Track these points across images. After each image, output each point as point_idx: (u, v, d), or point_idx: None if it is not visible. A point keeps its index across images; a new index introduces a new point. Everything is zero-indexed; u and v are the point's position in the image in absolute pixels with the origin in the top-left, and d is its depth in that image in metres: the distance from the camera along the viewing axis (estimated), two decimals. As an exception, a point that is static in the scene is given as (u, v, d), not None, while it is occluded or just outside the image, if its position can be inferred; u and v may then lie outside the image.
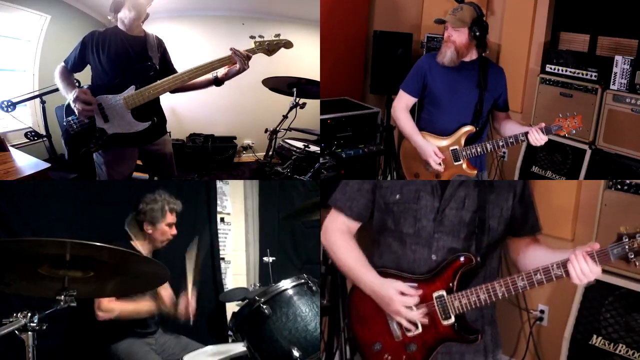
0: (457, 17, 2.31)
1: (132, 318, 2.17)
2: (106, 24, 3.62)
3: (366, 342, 1.67)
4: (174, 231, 2.33)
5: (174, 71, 2.60)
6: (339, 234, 1.75)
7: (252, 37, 2.45)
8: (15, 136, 3.49)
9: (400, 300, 1.56)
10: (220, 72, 2.48)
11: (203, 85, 2.55)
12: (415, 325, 1.58)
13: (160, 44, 2.60)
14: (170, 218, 2.31)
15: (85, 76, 2.65)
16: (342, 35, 3.98)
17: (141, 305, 2.18)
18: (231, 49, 2.38)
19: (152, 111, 2.54)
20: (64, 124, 2.47)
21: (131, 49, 2.48)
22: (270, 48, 2.46)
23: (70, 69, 2.51)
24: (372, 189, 1.72)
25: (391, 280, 1.60)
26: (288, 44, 2.48)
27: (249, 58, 2.41)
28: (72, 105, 2.38)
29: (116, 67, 2.45)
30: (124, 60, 2.46)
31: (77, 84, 2.56)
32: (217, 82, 2.52)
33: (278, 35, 2.46)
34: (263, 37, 2.44)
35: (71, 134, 2.45)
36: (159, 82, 2.43)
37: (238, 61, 2.39)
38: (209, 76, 2.50)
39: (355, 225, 1.77)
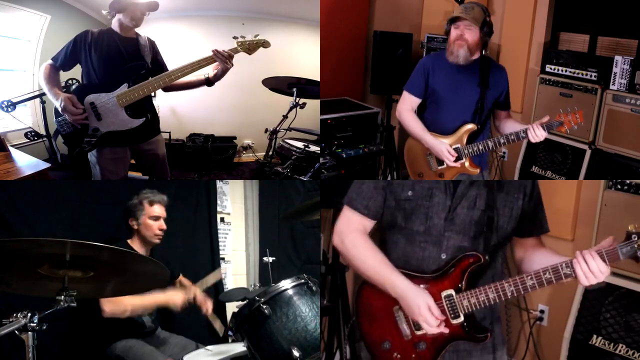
0: (472, 15, 2.31)
1: (139, 313, 2.15)
2: (102, 21, 3.63)
3: (375, 341, 1.67)
4: (162, 225, 2.30)
5: (166, 70, 2.63)
6: (357, 235, 1.70)
7: (234, 37, 2.56)
8: (15, 136, 3.49)
9: (426, 316, 1.53)
10: (211, 73, 2.56)
11: (195, 85, 2.62)
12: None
13: (152, 46, 2.64)
14: (152, 211, 2.28)
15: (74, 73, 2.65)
16: (342, 35, 3.98)
17: (148, 299, 2.15)
18: (213, 51, 2.48)
19: (145, 109, 2.57)
20: (55, 125, 2.48)
21: (124, 50, 2.51)
22: (250, 47, 2.56)
23: (59, 67, 2.51)
24: (384, 186, 1.69)
25: (423, 292, 1.56)
26: (266, 44, 2.59)
27: (231, 57, 2.51)
28: (61, 112, 2.40)
29: (108, 67, 2.47)
30: (116, 60, 2.48)
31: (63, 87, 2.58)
32: (209, 82, 2.60)
33: (257, 35, 2.58)
34: (245, 37, 2.56)
35: (63, 135, 2.48)
36: (151, 79, 2.48)
37: (220, 61, 2.48)
38: (200, 77, 2.59)
39: (370, 225, 1.72)
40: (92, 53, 2.46)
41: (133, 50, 2.54)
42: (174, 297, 2.23)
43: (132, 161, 2.79)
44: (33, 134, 3.11)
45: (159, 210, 2.31)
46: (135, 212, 2.28)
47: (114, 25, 2.55)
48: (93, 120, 2.44)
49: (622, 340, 2.22)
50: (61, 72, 2.57)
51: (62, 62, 2.49)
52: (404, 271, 1.63)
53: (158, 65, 2.64)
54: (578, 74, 3.03)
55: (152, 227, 2.28)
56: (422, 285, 1.60)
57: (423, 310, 1.53)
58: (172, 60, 2.72)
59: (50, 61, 2.51)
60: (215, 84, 2.65)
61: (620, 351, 2.22)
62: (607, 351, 2.25)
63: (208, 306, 2.35)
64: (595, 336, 2.29)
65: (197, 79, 2.59)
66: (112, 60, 2.48)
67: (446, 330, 1.55)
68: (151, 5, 2.52)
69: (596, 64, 2.94)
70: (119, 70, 2.47)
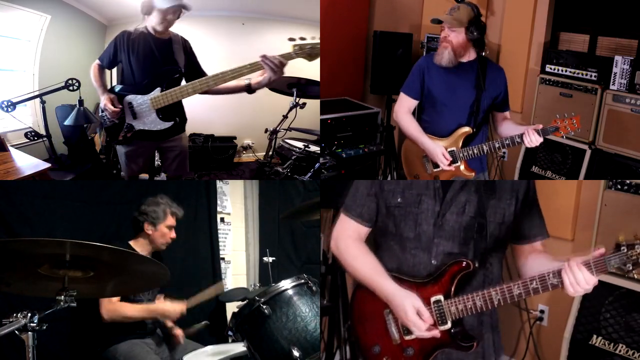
0: (453, 17, 2.28)
1: (136, 320, 2.18)
2: (102, 21, 3.67)
3: (366, 344, 1.67)
4: (173, 234, 2.35)
5: (201, 71, 2.69)
6: (350, 241, 1.72)
7: (291, 39, 2.23)
8: (15, 136, 3.48)
9: (414, 322, 1.53)
10: (254, 79, 2.42)
11: (234, 90, 2.53)
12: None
13: (185, 46, 2.69)
14: (171, 221, 2.34)
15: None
16: (342, 35, 3.98)
17: (146, 311, 2.21)
18: (261, 57, 2.25)
19: (175, 112, 2.66)
20: (100, 118, 2.71)
21: (157, 52, 2.59)
22: (312, 53, 2.22)
23: (106, 66, 2.69)
24: (377, 192, 1.70)
25: (410, 294, 1.56)
26: None
27: (282, 65, 2.25)
28: (101, 109, 2.62)
29: (143, 69, 2.59)
30: (150, 63, 2.58)
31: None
32: (250, 89, 2.48)
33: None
34: (305, 39, 2.22)
35: (104, 128, 2.72)
36: (183, 85, 2.53)
37: (268, 69, 2.26)
38: (241, 83, 2.48)
39: (366, 231, 1.74)
40: (130, 54, 2.58)
41: (166, 52, 2.61)
42: (169, 310, 2.26)
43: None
44: (33, 134, 3.10)
45: (175, 221, 2.36)
46: (155, 218, 2.30)
47: (148, 25, 2.60)
48: (129, 118, 2.61)
49: (622, 340, 2.22)
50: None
51: (107, 62, 2.67)
52: (397, 276, 1.63)
53: (193, 67, 2.69)
54: (578, 74, 3.02)
55: (166, 235, 2.32)
56: (412, 291, 1.59)
57: (410, 314, 1.52)
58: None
59: (97, 61, 2.68)
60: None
61: (620, 351, 2.22)
62: (607, 351, 2.25)
63: (181, 335, 2.36)
64: (595, 336, 2.29)
65: (236, 85, 2.48)
66: (147, 63, 2.59)
67: (437, 335, 1.55)
68: (177, 9, 2.51)
69: (596, 64, 2.94)
70: (153, 73, 2.58)
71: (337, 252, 1.75)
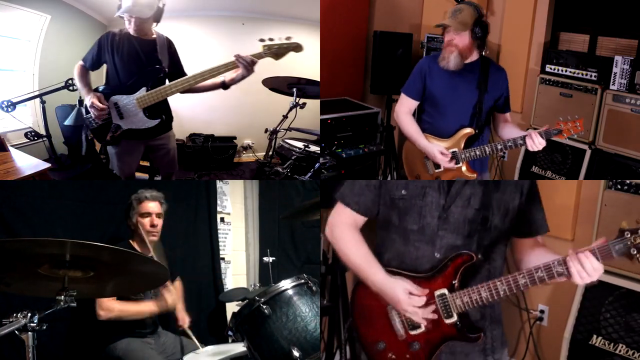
0: (458, 20, 2.26)
1: (133, 319, 2.18)
2: (102, 21, 3.68)
3: (370, 341, 1.67)
4: (153, 221, 2.31)
5: (183, 71, 2.74)
6: (345, 228, 1.73)
7: (261, 40, 2.43)
8: (15, 136, 3.48)
9: (408, 301, 1.54)
10: (228, 76, 2.57)
11: (211, 88, 2.66)
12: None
13: (170, 46, 2.72)
14: (142, 208, 2.31)
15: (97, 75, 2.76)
16: (342, 35, 3.98)
17: (142, 307, 2.21)
18: (235, 56, 2.43)
19: (161, 110, 2.69)
20: (85, 120, 2.67)
21: (142, 53, 2.61)
22: (278, 52, 2.43)
23: (89, 67, 2.68)
24: (379, 185, 1.71)
25: (399, 279, 1.58)
26: (298, 48, 2.45)
27: (253, 63, 2.43)
28: (88, 108, 2.61)
29: (128, 69, 2.60)
30: (135, 63, 2.60)
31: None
32: (225, 86, 2.63)
33: (289, 38, 2.45)
34: (273, 39, 2.43)
35: (90, 129, 2.71)
36: (168, 84, 2.58)
37: (242, 67, 2.44)
38: (217, 80, 2.61)
39: (361, 220, 1.75)
40: (114, 55, 2.59)
41: (150, 53, 2.63)
42: (169, 302, 2.26)
43: (145, 163, 2.95)
44: (33, 134, 3.10)
45: (150, 206, 2.33)
46: (129, 212, 2.32)
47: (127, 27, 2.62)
48: (116, 118, 2.62)
49: (622, 340, 2.22)
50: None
51: (90, 63, 2.67)
52: (399, 271, 1.63)
53: (176, 67, 2.73)
54: (578, 74, 3.02)
55: (143, 224, 2.30)
56: (415, 285, 1.60)
57: (402, 297, 1.54)
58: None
59: (81, 62, 2.68)
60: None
61: (620, 351, 2.22)
62: (607, 351, 2.25)
63: (186, 320, 2.38)
64: (595, 336, 2.29)
65: (212, 83, 2.62)
66: (131, 64, 2.60)
67: (435, 316, 1.55)
68: (141, 18, 2.54)
69: (596, 64, 2.94)
70: (138, 73, 2.59)
71: (331, 238, 1.77)
